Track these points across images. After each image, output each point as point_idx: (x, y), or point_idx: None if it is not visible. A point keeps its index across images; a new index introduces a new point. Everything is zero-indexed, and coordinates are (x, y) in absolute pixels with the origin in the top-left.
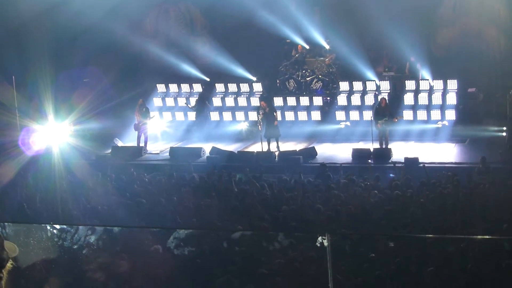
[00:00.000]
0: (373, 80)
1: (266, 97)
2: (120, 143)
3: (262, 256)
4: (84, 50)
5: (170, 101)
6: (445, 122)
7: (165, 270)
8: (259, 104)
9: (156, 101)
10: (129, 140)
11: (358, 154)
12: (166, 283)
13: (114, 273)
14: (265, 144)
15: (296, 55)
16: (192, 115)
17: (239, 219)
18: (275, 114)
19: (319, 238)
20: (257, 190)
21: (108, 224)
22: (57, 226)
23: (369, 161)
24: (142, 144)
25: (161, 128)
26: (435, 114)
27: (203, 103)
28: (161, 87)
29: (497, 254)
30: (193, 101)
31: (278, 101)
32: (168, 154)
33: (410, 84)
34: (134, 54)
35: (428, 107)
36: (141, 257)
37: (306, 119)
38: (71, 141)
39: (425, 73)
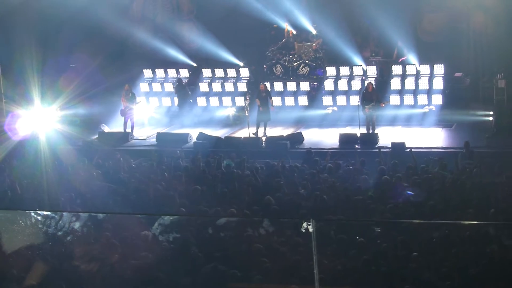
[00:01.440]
0: (360, 65)
1: (253, 82)
2: (106, 129)
3: (248, 242)
4: (70, 36)
5: (156, 87)
6: (432, 107)
7: (150, 256)
8: (258, 87)
9: (143, 87)
10: (115, 125)
11: (345, 139)
12: (151, 270)
13: (99, 259)
14: (252, 129)
15: (284, 39)
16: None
17: (226, 205)
18: (270, 100)
19: (304, 224)
20: (244, 175)
21: (92, 211)
22: (43, 213)
23: (356, 146)
24: (128, 130)
25: (148, 113)
26: (422, 99)
27: (182, 89)
28: (147, 73)
29: (482, 239)
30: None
31: None
32: (155, 139)
33: (397, 69)
34: (120, 40)
35: (415, 92)
36: (127, 243)
37: (293, 104)
38: (58, 127)
39: (412, 57)
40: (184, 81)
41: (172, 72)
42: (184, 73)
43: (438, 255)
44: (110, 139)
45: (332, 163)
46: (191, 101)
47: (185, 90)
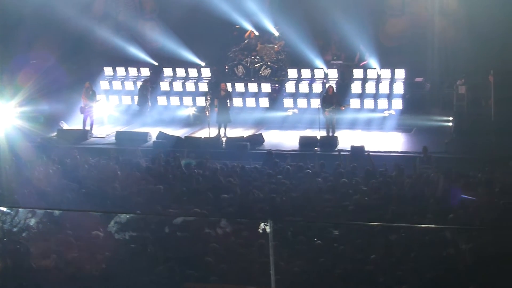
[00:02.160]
0: (321, 68)
1: (214, 83)
2: (65, 126)
3: (204, 242)
4: (30, 31)
5: (117, 85)
6: (392, 111)
7: (106, 255)
8: (219, 87)
9: (103, 84)
10: (75, 123)
11: (305, 142)
12: (107, 268)
13: (54, 256)
14: (213, 130)
15: (246, 41)
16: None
17: (183, 204)
18: (228, 100)
19: (262, 225)
20: (203, 176)
21: (49, 208)
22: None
23: (316, 148)
24: (87, 128)
25: (108, 111)
26: (382, 103)
27: (145, 90)
28: (108, 70)
29: (439, 243)
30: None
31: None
32: (114, 138)
33: (357, 73)
34: (81, 37)
35: (375, 96)
36: (83, 241)
37: (254, 105)
38: (17, 123)
39: (373, 62)
40: (147, 84)
41: (133, 71)
42: (145, 71)
43: (395, 258)
44: (69, 137)
45: (292, 166)
46: (149, 104)
47: (147, 93)
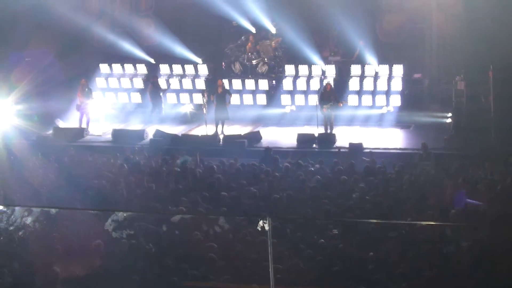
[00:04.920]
0: (319, 65)
1: (212, 79)
2: (61, 124)
3: (203, 240)
4: (26, 29)
5: (113, 82)
6: (390, 108)
7: (104, 254)
8: (216, 83)
9: (99, 82)
10: (71, 121)
11: (303, 139)
12: (104, 267)
13: (52, 255)
14: (210, 127)
15: (249, 44)
16: (135, 97)
17: (180, 202)
18: (229, 96)
19: (260, 222)
20: (200, 173)
21: (46, 206)
22: None
23: (314, 145)
24: (84, 126)
25: (104, 109)
26: (380, 100)
27: (156, 85)
28: (104, 68)
29: (439, 240)
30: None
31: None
32: (110, 136)
33: (355, 69)
34: (77, 34)
35: (373, 93)
36: (81, 239)
37: (252, 103)
38: (12, 121)
39: (370, 58)
40: (156, 80)
41: (129, 68)
42: (142, 69)
43: (394, 256)
44: (65, 135)
45: (291, 163)
46: (163, 103)
47: (159, 90)
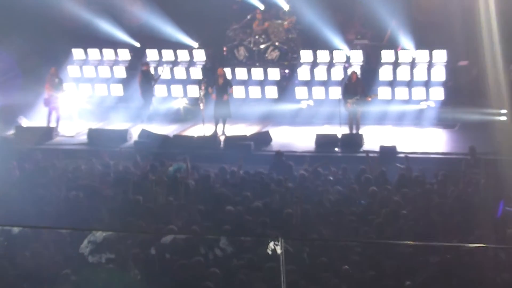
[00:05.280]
0: (342, 50)
1: (210, 68)
2: (25, 122)
3: (201, 265)
4: None
5: (89, 71)
6: (431, 103)
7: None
8: (217, 72)
9: (72, 70)
10: (37, 118)
11: (323, 141)
12: None
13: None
14: (208, 126)
15: (256, 26)
16: (116, 89)
17: (172, 220)
18: (230, 89)
19: (271, 244)
20: (194, 184)
21: (6, 224)
22: None
23: (336, 149)
24: (53, 124)
25: (78, 104)
26: (418, 93)
27: (147, 74)
28: (78, 53)
29: (491, 266)
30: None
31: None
32: (85, 137)
33: (387, 55)
34: (44, 12)
35: (410, 84)
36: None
37: (260, 96)
38: None
39: (406, 41)
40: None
41: (108, 53)
42: (124, 54)
43: (436, 285)
44: (30, 136)
45: (308, 171)
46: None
47: (151, 80)
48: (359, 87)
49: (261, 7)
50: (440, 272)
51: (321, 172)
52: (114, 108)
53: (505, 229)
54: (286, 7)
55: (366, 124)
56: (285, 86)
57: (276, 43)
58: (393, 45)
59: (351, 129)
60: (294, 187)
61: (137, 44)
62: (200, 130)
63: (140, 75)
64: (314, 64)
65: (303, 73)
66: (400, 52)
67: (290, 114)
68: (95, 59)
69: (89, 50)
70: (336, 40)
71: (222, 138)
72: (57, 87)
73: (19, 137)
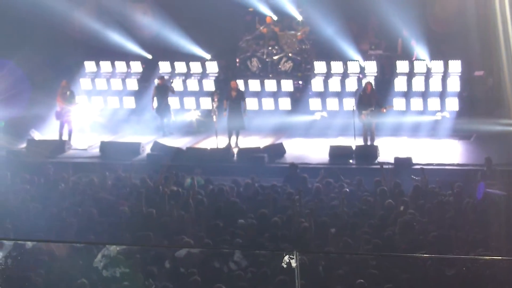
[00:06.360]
0: (357, 60)
1: (223, 80)
2: (37, 136)
3: (215, 279)
4: None
5: (101, 83)
6: (446, 114)
7: None
8: (230, 85)
9: (84, 83)
10: (49, 132)
11: (337, 153)
12: None
13: None
14: (221, 139)
15: (263, 29)
16: (129, 102)
17: (186, 233)
18: (243, 102)
19: (286, 257)
20: (210, 196)
21: (20, 238)
22: None
23: (351, 161)
24: (65, 138)
25: (90, 117)
26: (433, 104)
27: (164, 88)
28: (89, 65)
29: (507, 278)
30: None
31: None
32: (98, 150)
33: (402, 66)
34: (56, 24)
35: (425, 95)
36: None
37: (273, 108)
38: None
39: (421, 51)
40: (165, 82)
41: (121, 66)
42: (136, 66)
43: None
44: (42, 149)
45: (322, 183)
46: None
47: (166, 95)
48: (373, 98)
49: (274, 17)
50: (456, 285)
51: (333, 183)
52: (127, 121)
53: None
54: (299, 17)
55: (381, 136)
56: (298, 97)
57: (290, 54)
58: (407, 55)
59: (365, 140)
60: (308, 200)
61: (149, 56)
62: (213, 142)
63: (155, 89)
64: (328, 75)
65: (316, 84)
66: (415, 63)
67: (304, 125)
68: (107, 72)
69: (101, 62)
70: (350, 50)
71: (235, 150)
72: (69, 100)
73: (31, 151)
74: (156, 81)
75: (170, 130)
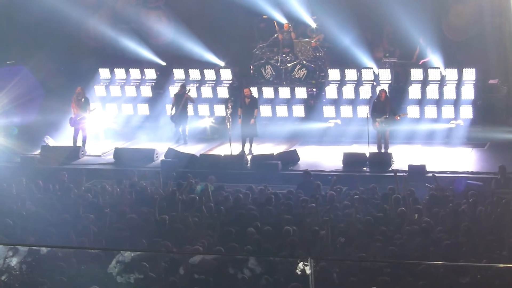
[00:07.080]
0: (371, 68)
1: (237, 87)
2: (51, 142)
3: (229, 285)
4: (8, 25)
5: (115, 90)
6: (460, 122)
7: None
8: (242, 92)
9: (98, 90)
10: (63, 138)
11: (351, 160)
12: None
13: None
14: (235, 146)
15: (280, 35)
16: (143, 109)
17: (200, 239)
18: (256, 110)
19: (300, 264)
20: (224, 202)
21: (35, 244)
22: None
23: (364, 168)
24: (79, 144)
25: (104, 124)
26: (448, 111)
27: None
28: (104, 72)
29: None
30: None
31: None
32: (112, 156)
33: (416, 74)
34: (71, 31)
35: (439, 103)
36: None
37: (287, 115)
38: None
39: (435, 59)
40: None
41: (135, 73)
42: (151, 73)
43: None
44: (56, 155)
45: (337, 191)
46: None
47: (186, 104)
48: (387, 105)
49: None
50: None
51: (343, 190)
52: (141, 128)
53: None
54: (313, 25)
55: (394, 143)
56: (312, 104)
57: (304, 62)
58: (423, 63)
59: (379, 148)
60: (323, 207)
61: (163, 63)
62: (227, 149)
63: (175, 97)
64: (342, 83)
65: (330, 91)
66: (429, 70)
67: (318, 133)
68: (122, 79)
69: (115, 69)
70: (364, 58)
71: (249, 157)
72: (83, 107)
73: (45, 157)
74: (176, 89)
75: (184, 140)
